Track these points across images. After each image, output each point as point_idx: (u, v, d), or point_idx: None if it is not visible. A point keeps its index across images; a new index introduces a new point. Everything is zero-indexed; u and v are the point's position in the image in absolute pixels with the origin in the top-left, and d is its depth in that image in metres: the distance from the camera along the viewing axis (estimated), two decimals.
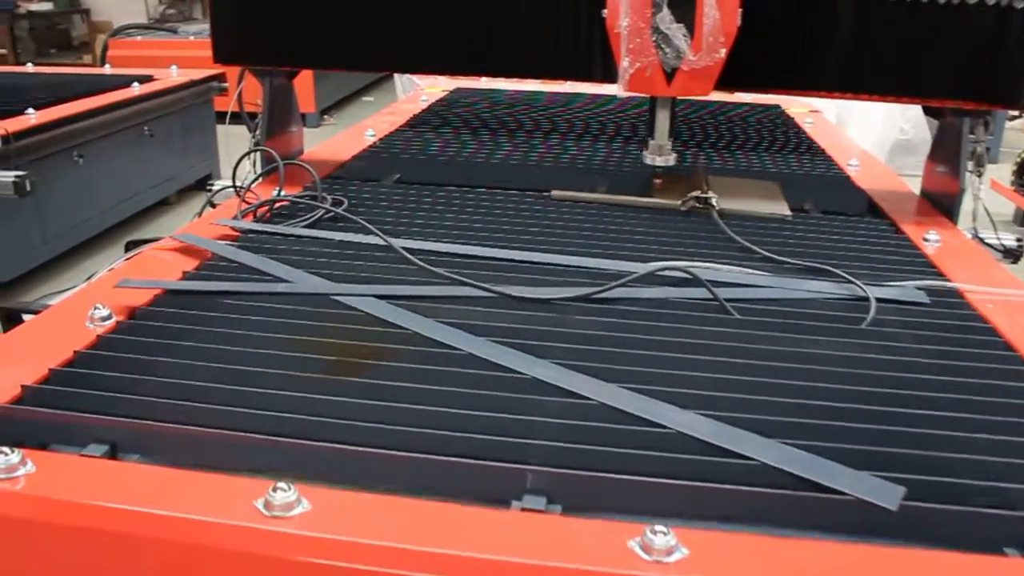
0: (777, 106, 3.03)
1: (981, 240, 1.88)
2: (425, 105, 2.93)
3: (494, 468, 0.84)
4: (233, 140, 2.69)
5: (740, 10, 1.56)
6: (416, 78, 3.72)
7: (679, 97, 1.66)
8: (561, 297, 1.22)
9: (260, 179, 1.65)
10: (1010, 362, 1.11)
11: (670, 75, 1.54)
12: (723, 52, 1.49)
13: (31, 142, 2.85)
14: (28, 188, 2.40)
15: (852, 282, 1.30)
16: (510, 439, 0.88)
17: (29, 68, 4.31)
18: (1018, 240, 1.89)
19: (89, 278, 1.51)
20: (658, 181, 1.74)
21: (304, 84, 6.13)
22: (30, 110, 2.94)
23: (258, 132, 1.99)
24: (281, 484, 0.79)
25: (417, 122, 2.59)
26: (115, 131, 3.32)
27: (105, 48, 5.88)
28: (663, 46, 1.51)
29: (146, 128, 3.56)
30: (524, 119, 2.61)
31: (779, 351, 1.10)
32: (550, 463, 0.85)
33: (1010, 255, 1.90)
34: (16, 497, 0.80)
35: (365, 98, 7.95)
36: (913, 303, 1.28)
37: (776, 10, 1.69)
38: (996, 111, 1.79)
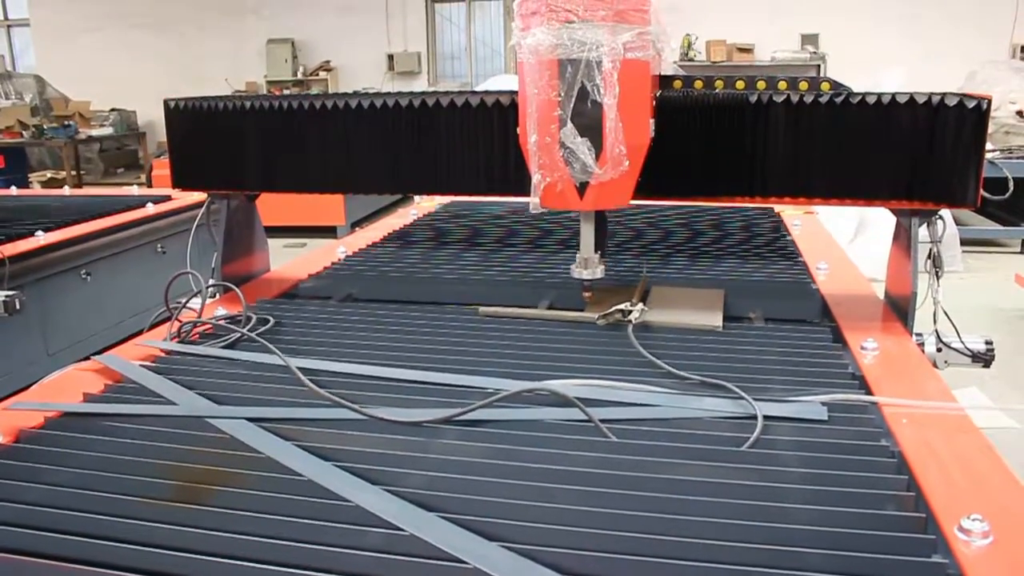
0: (771, 208, 3.00)
1: (947, 346, 1.80)
2: (412, 220, 2.99)
3: None
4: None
5: (652, 121, 1.57)
6: None
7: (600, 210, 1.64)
8: (426, 420, 1.19)
9: (190, 300, 1.69)
10: (891, 487, 1.03)
11: (582, 189, 1.54)
12: (627, 164, 1.48)
13: (38, 262, 2.99)
14: (18, 307, 2.50)
15: (743, 398, 1.24)
16: (303, 572, 0.85)
17: (65, 191, 4.55)
18: (987, 343, 1.80)
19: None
20: (588, 295, 1.71)
21: (335, 198, 6.34)
22: (39, 232, 3.09)
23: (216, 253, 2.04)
24: None
25: (391, 238, 2.63)
26: (124, 250, 3.46)
27: (150, 168, 6.20)
28: (571, 161, 1.50)
29: (159, 246, 3.69)
30: (500, 231, 2.61)
31: (641, 478, 1.04)
32: None
33: (979, 360, 1.81)
34: None
35: (405, 210, 8.10)
36: (810, 420, 1.21)
37: (708, 120, 1.69)
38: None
